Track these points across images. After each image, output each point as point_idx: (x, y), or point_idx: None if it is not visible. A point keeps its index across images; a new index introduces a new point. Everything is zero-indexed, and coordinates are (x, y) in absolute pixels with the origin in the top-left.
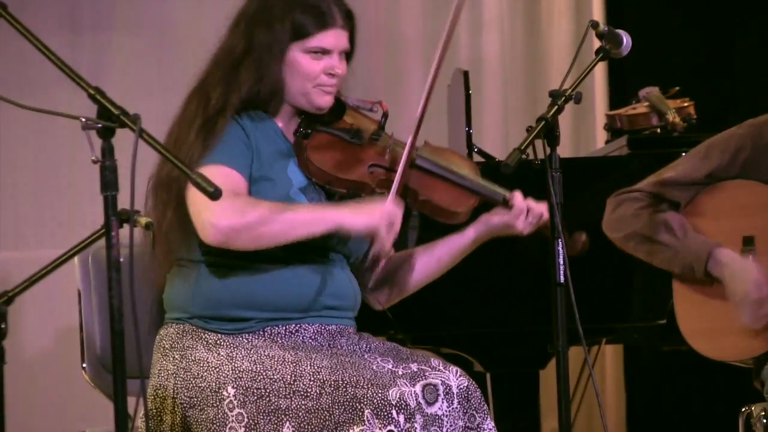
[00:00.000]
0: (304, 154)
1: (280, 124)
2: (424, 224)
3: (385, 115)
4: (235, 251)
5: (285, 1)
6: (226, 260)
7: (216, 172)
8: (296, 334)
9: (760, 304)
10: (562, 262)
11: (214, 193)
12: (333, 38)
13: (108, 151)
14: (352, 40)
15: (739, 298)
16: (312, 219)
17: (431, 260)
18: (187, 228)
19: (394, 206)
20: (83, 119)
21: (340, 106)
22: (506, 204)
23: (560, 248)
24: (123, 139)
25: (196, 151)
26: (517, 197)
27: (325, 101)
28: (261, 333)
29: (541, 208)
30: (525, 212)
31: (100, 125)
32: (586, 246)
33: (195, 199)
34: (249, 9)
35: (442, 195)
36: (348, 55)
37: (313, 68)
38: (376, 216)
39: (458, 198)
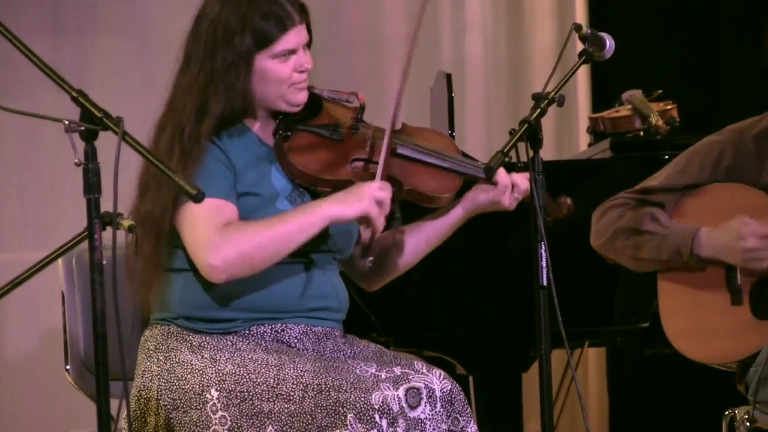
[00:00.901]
0: (286, 158)
1: (256, 130)
2: (405, 207)
3: (362, 107)
4: None
5: (239, 12)
6: None
7: (203, 205)
8: (282, 333)
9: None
10: (545, 264)
11: (197, 196)
12: (295, 37)
13: (91, 154)
14: (309, 29)
15: (739, 252)
16: (304, 224)
17: (420, 240)
18: (171, 248)
19: (380, 187)
20: (66, 122)
21: (315, 100)
22: (490, 180)
23: (543, 251)
24: (106, 141)
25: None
26: (502, 174)
27: (303, 96)
28: (247, 333)
29: (524, 182)
30: (510, 188)
31: (83, 128)
32: (571, 209)
33: (189, 239)
34: (203, 28)
35: (427, 182)
36: (308, 43)
37: (284, 71)
38: (366, 200)
39: (443, 182)
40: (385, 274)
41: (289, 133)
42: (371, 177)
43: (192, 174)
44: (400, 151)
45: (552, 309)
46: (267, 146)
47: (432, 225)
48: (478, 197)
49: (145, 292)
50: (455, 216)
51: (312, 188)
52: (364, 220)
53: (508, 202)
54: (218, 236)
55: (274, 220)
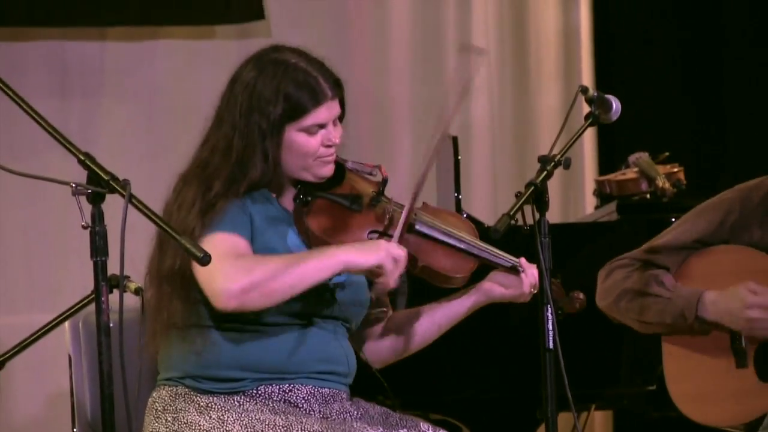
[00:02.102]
0: (304, 222)
1: (275, 194)
2: (413, 286)
3: (385, 181)
4: (233, 316)
5: (274, 82)
6: (219, 324)
7: (217, 240)
8: (290, 393)
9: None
10: (551, 327)
11: (203, 259)
12: (326, 112)
13: (98, 217)
14: (342, 104)
15: (743, 321)
16: (320, 265)
17: (432, 326)
18: (186, 302)
19: (398, 245)
20: (73, 185)
21: (339, 169)
22: (515, 270)
23: (549, 314)
24: (113, 204)
25: (196, 227)
26: (530, 269)
27: (328, 170)
28: (254, 393)
29: (534, 270)
30: (536, 280)
31: (90, 191)
32: (583, 304)
33: (202, 273)
34: (237, 93)
35: (442, 260)
36: (340, 117)
37: (311, 145)
38: (382, 252)
39: (457, 263)
40: (395, 354)
41: (309, 199)
42: None
43: (212, 220)
44: (417, 227)
45: (558, 372)
46: (286, 211)
47: (444, 311)
48: (493, 291)
49: (153, 353)
50: (468, 304)
51: None
52: (378, 273)
53: (524, 300)
54: (231, 265)
55: (290, 256)
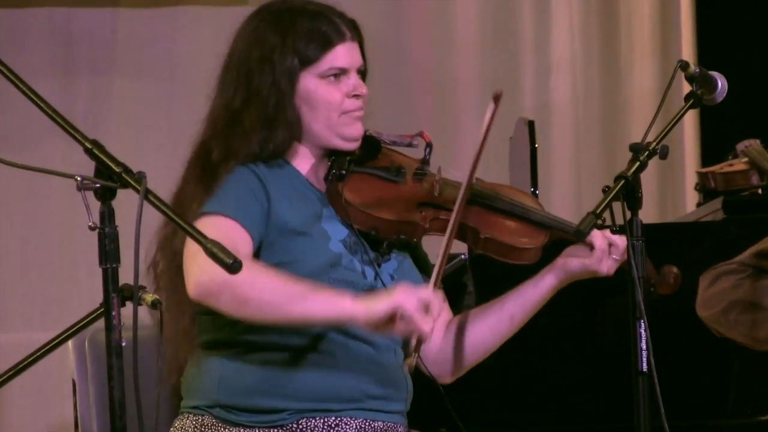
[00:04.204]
0: (342, 199)
1: (306, 173)
2: (480, 283)
3: (429, 146)
4: (271, 330)
5: (280, 26)
6: (258, 341)
7: (213, 223)
8: (336, 429)
9: None
10: (645, 347)
11: (233, 266)
12: (345, 53)
13: (108, 216)
14: (363, 54)
15: None
16: (315, 298)
17: (502, 318)
18: (203, 319)
19: (428, 289)
20: (79, 178)
21: (373, 144)
22: (583, 240)
23: (642, 331)
24: (126, 201)
25: (196, 200)
26: (597, 235)
27: (357, 129)
28: (294, 427)
29: (623, 242)
30: (608, 251)
31: (98, 185)
32: (678, 279)
33: (186, 253)
34: (237, 49)
35: (508, 231)
36: (363, 75)
37: (334, 95)
38: (400, 295)
39: (526, 233)
40: (462, 363)
41: (344, 172)
42: (442, 226)
43: (213, 190)
44: (476, 198)
45: (653, 399)
46: (318, 191)
47: (516, 298)
48: (570, 264)
49: (176, 376)
50: (545, 287)
51: (372, 234)
52: (400, 318)
53: (606, 267)
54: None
55: (287, 277)
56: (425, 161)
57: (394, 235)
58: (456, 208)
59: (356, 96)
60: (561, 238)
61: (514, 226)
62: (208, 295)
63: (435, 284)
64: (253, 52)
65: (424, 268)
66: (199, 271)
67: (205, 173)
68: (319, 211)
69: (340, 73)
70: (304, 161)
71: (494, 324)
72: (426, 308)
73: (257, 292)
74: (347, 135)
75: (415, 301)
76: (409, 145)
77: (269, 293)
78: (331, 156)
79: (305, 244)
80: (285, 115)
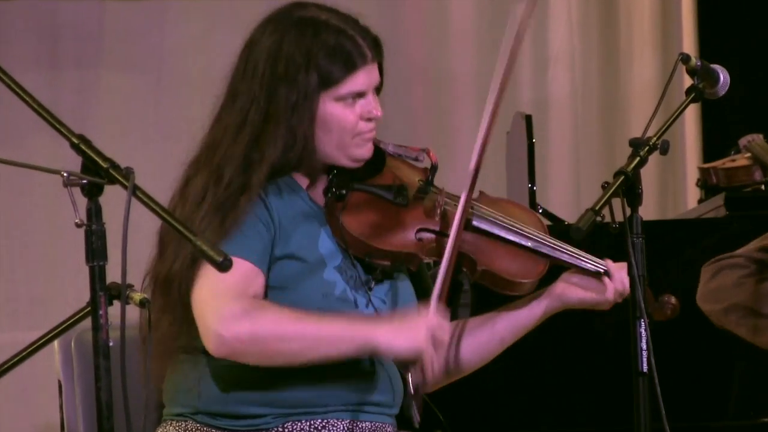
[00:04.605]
0: (338, 221)
1: (304, 185)
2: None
3: (434, 168)
4: None
5: (303, 44)
6: None
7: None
8: (323, 430)
9: None
10: (645, 346)
11: (223, 263)
12: (365, 78)
13: (95, 213)
14: (381, 70)
15: None
16: (341, 335)
17: (492, 340)
18: (187, 325)
19: (440, 325)
20: (65, 174)
21: (378, 155)
22: (596, 275)
23: (642, 330)
24: (113, 197)
25: (211, 229)
26: (615, 269)
27: (367, 151)
28: (280, 430)
29: (623, 275)
30: (623, 285)
31: (85, 181)
32: (676, 310)
33: (199, 297)
34: (257, 60)
35: (506, 262)
36: (378, 88)
37: (349, 118)
38: (421, 336)
39: (525, 265)
40: (446, 375)
41: (344, 192)
42: (438, 252)
43: (227, 231)
44: (475, 223)
45: (654, 400)
46: (316, 205)
47: (507, 321)
48: (567, 294)
49: (160, 379)
50: (538, 312)
51: (366, 260)
52: (413, 361)
53: (608, 307)
54: (238, 307)
55: (309, 316)
56: (429, 181)
57: (388, 262)
58: (453, 235)
59: (369, 119)
60: (562, 266)
61: (512, 256)
62: (233, 354)
63: (437, 302)
64: (277, 67)
65: (422, 285)
66: (221, 326)
67: (218, 209)
68: (318, 231)
69: (357, 96)
70: (308, 175)
71: (484, 343)
72: (438, 343)
73: (286, 344)
74: (357, 156)
75: (432, 344)
76: (415, 159)
77: (298, 343)
78: (333, 170)
79: (299, 273)
80: (303, 136)
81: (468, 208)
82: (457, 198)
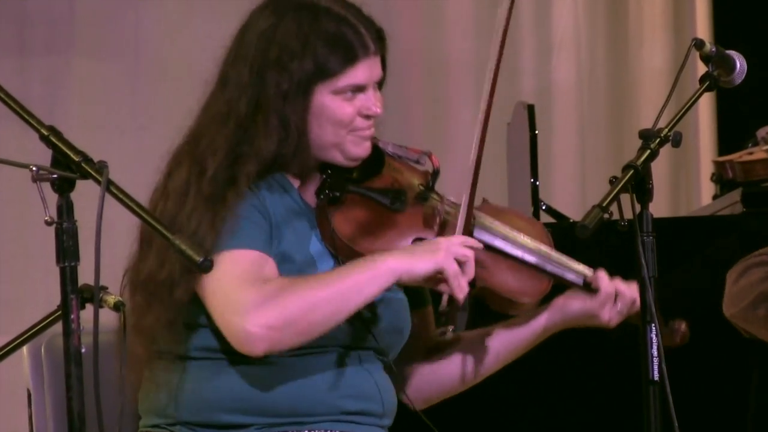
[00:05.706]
0: (329, 226)
1: (296, 185)
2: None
3: (436, 173)
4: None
5: (300, 30)
6: (219, 354)
7: (237, 259)
8: None
9: None
10: (656, 353)
11: (203, 264)
12: (366, 71)
13: (66, 210)
14: (383, 63)
15: None
16: (365, 278)
17: (489, 357)
18: (175, 326)
19: (462, 242)
20: (34, 168)
21: (376, 155)
22: (588, 288)
23: (653, 335)
24: (86, 193)
25: (203, 226)
26: (603, 279)
27: (364, 150)
28: None
29: (632, 293)
30: (613, 298)
31: (55, 176)
32: (686, 337)
33: (217, 301)
34: (250, 45)
35: (506, 279)
36: (380, 82)
37: (345, 112)
38: (441, 253)
39: (526, 283)
40: (439, 392)
41: (338, 194)
42: None
43: (223, 225)
44: (475, 235)
45: (666, 412)
46: (307, 206)
47: (504, 337)
48: (569, 307)
49: (136, 388)
50: (538, 328)
51: None
52: (439, 279)
53: (608, 316)
54: (258, 295)
55: (326, 276)
56: (430, 186)
57: None
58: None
59: (368, 116)
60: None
61: (514, 272)
62: (271, 346)
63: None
64: (269, 52)
65: (416, 297)
66: (249, 322)
67: (204, 202)
68: (307, 232)
69: (356, 90)
70: (300, 172)
71: (478, 359)
72: (462, 264)
73: (319, 313)
74: (352, 154)
75: (454, 263)
76: (416, 162)
77: (329, 306)
78: (327, 169)
79: (289, 271)
80: (295, 127)
81: (471, 209)
82: (458, 207)
